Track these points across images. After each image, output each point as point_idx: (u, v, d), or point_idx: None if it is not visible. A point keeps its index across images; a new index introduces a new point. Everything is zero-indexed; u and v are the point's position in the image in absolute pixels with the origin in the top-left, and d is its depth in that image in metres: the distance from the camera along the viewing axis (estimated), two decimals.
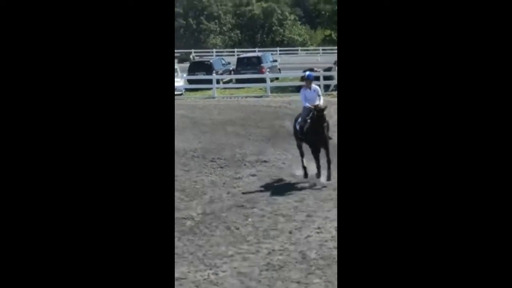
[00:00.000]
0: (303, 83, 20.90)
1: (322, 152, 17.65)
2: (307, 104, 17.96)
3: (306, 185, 17.11)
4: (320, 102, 18.01)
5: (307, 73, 19.93)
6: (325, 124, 17.68)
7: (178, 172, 19.59)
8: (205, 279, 11.66)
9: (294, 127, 18.89)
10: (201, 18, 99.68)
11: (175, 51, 73.89)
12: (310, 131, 17.80)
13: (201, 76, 43.97)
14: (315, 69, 39.55)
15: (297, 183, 17.44)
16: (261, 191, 17.40)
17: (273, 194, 16.98)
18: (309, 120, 17.83)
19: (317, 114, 17.56)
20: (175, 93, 41.60)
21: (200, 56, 66.27)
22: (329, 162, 17.24)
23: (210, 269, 12.08)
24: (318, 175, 17.61)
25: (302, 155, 18.51)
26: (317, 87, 18.91)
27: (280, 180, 18.41)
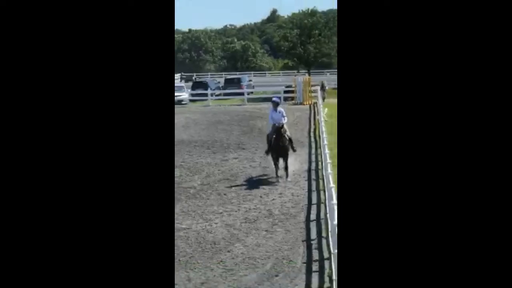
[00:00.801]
0: (270, 95, 20.35)
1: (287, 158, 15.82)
2: (272, 123, 15.95)
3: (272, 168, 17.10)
4: (284, 121, 15.90)
5: (274, 98, 17.28)
6: (285, 138, 15.65)
7: (184, 156, 19.68)
8: (203, 229, 11.69)
9: (267, 141, 16.47)
10: (200, 52, 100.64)
11: (183, 74, 74.05)
12: (273, 144, 15.72)
13: (200, 91, 44.28)
14: (292, 85, 39.46)
15: (267, 166, 17.41)
16: (240, 169, 17.41)
17: (248, 171, 17.06)
18: (274, 136, 15.69)
19: (277, 131, 15.60)
20: (182, 103, 41.60)
21: (200, 78, 66.31)
22: (286, 168, 15.61)
23: (206, 222, 12.14)
24: (276, 174, 15.66)
25: (273, 159, 15.98)
26: (282, 109, 16.40)
27: (253, 160, 18.42)
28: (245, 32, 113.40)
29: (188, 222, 12.15)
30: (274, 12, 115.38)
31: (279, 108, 16.20)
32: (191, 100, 43.74)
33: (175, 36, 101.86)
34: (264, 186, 14.96)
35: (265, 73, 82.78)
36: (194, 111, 35.54)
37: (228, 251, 10.33)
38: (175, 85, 53.84)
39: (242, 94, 42.12)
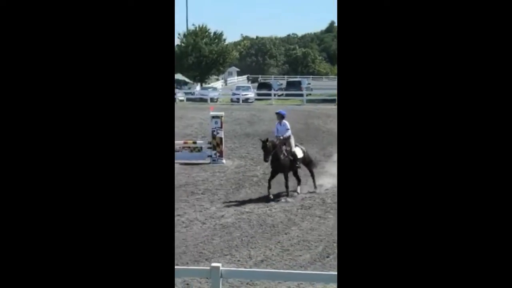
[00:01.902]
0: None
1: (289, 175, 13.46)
2: (276, 135, 13.70)
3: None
4: (286, 134, 13.46)
5: (279, 110, 14.68)
6: (282, 155, 13.17)
7: (249, 148, 19.72)
8: (264, 213, 11.71)
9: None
10: (265, 56, 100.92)
11: (249, 76, 74.27)
12: (272, 158, 13.27)
13: (264, 91, 44.45)
14: None
15: (320, 159, 17.24)
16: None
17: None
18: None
19: (274, 145, 13.23)
20: (249, 101, 41.68)
21: (264, 79, 66.29)
22: (286, 185, 13.10)
23: (267, 207, 12.18)
24: (268, 192, 12.93)
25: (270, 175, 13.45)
26: (286, 122, 13.79)
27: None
28: (305, 40, 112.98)
29: (250, 207, 12.21)
30: (332, 23, 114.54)
31: (284, 121, 13.75)
32: (256, 99, 43.98)
33: (244, 42, 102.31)
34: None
35: (322, 78, 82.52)
36: (258, 108, 35.63)
37: (285, 234, 10.33)
38: (243, 85, 54.11)
39: (301, 95, 42.08)
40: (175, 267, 7.96)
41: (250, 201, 12.63)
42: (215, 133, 17.68)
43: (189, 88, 51.60)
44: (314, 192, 13.40)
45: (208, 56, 59.59)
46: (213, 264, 5.96)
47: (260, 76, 77.39)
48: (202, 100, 44.46)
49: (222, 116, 17.97)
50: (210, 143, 17.88)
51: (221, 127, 17.63)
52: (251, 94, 45.32)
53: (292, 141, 13.52)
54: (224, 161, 17.44)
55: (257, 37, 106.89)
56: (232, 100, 44.37)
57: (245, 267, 8.48)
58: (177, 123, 28.46)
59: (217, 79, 66.98)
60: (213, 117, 17.94)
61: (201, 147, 17.85)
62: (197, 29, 61.94)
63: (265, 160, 13.29)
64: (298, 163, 13.47)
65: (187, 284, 7.72)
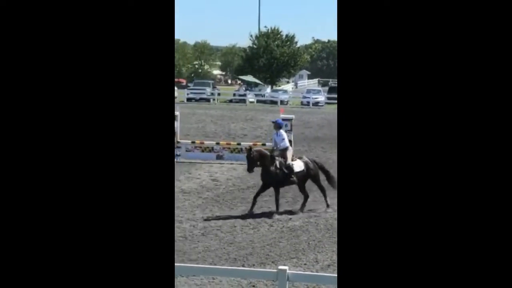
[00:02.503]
0: None
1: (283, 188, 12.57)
2: (273, 146, 13.01)
3: None
4: (281, 145, 12.34)
5: (276, 119, 13.58)
6: (274, 167, 12.01)
7: (318, 152, 19.61)
8: (331, 217, 11.57)
9: None
10: (336, 60, 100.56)
11: (320, 79, 73.93)
12: (262, 170, 12.29)
13: (335, 95, 44.35)
14: None
15: None
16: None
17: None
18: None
19: (264, 157, 12.08)
20: (319, 105, 41.54)
21: (335, 83, 66.00)
22: (276, 199, 12.05)
23: (335, 211, 12.03)
24: (251, 209, 11.91)
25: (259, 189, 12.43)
26: (283, 132, 12.67)
27: None
28: None
29: (318, 210, 12.12)
30: None
31: (281, 131, 12.61)
32: (326, 103, 43.85)
33: (316, 45, 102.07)
34: None
35: None
36: (329, 112, 35.49)
37: None
38: (314, 88, 54.02)
39: None
40: (242, 268, 8.03)
41: (318, 204, 12.53)
42: None
43: (260, 90, 51.86)
44: (325, 210, 12.07)
45: (279, 58, 59.75)
46: (280, 267, 5.94)
47: (330, 80, 76.99)
48: (272, 102, 44.62)
49: (292, 119, 17.97)
50: None
51: (290, 130, 17.63)
52: (321, 98, 45.32)
53: (289, 153, 12.32)
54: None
55: (328, 41, 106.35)
56: (302, 103, 44.33)
57: (311, 271, 8.42)
58: (247, 124, 28.82)
59: (288, 82, 67.09)
60: (283, 119, 17.95)
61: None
62: (269, 31, 62.23)
63: (248, 170, 12.22)
64: (293, 177, 12.11)
65: (253, 286, 7.73)
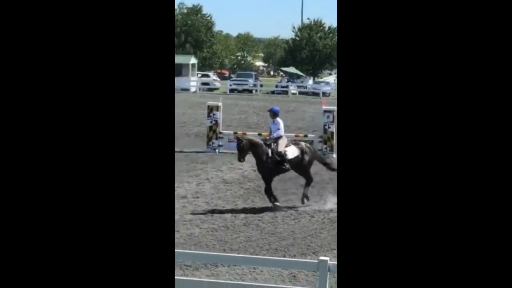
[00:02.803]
0: None
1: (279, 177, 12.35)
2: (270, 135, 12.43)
3: None
4: (274, 134, 12.03)
5: (272, 107, 13.35)
6: (265, 155, 11.75)
7: None
8: None
9: None
10: None
11: None
12: (257, 161, 12.10)
13: None
14: None
15: None
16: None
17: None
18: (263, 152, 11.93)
19: (258, 146, 11.85)
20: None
21: None
22: (265, 190, 11.92)
23: None
24: (270, 200, 11.84)
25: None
26: (279, 119, 12.34)
27: None
28: None
29: None
30: None
31: (277, 119, 12.31)
32: None
33: None
34: None
35: None
36: None
37: None
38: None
39: None
40: (283, 259, 8.04)
41: None
42: (326, 127, 17.80)
43: (302, 82, 51.70)
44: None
45: (322, 50, 59.46)
46: (321, 258, 5.94)
47: None
48: (315, 94, 44.42)
49: (334, 111, 17.89)
50: (321, 137, 17.96)
51: (332, 122, 17.57)
52: None
53: (282, 141, 12.03)
54: (334, 155, 17.34)
55: None
56: None
57: None
58: (289, 116, 28.75)
59: (330, 74, 66.63)
60: (325, 111, 17.95)
61: (312, 141, 17.85)
62: (312, 23, 61.96)
63: (239, 159, 12.21)
64: (286, 165, 11.85)
65: (294, 276, 7.74)
